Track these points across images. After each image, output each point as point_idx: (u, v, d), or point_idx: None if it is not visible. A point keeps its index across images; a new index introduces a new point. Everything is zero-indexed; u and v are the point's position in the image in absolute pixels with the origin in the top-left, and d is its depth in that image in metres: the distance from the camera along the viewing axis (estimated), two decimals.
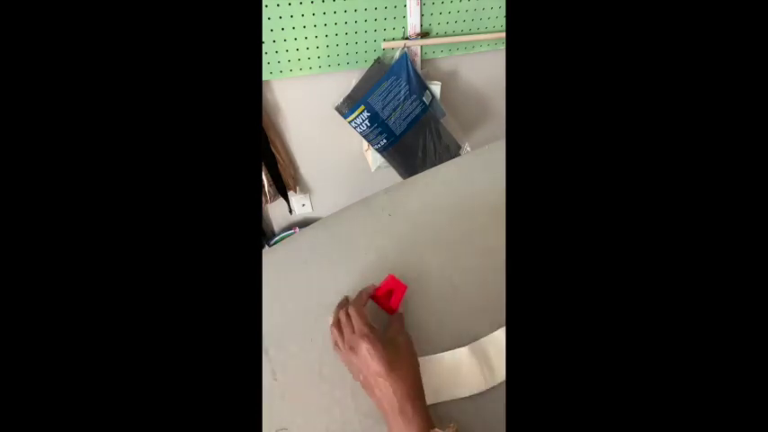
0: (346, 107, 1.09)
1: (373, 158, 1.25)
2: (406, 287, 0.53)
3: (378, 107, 1.09)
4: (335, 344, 0.47)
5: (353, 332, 0.44)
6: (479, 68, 1.26)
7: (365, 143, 1.22)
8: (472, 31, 1.14)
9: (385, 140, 1.15)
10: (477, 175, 0.72)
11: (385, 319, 0.52)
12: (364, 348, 0.41)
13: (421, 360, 0.46)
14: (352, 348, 0.43)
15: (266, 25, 0.95)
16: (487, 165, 0.74)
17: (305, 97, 1.12)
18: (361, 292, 0.50)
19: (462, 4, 1.07)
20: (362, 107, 1.08)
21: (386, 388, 0.40)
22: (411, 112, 1.13)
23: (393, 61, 1.07)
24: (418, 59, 1.13)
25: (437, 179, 0.72)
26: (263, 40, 0.97)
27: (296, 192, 1.32)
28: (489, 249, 0.60)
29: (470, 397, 0.46)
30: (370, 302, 0.53)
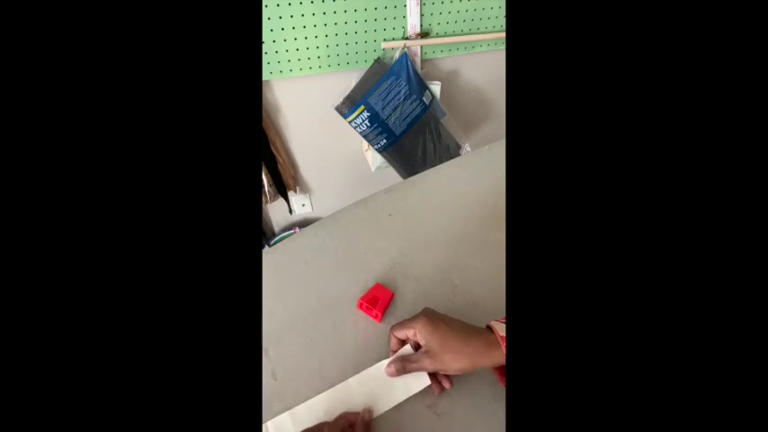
0: (346, 107, 1.09)
1: (373, 158, 1.25)
2: (392, 294, 0.54)
3: (378, 107, 1.09)
4: None
5: None
6: (479, 68, 1.26)
7: (365, 143, 1.22)
8: (472, 31, 1.14)
9: (385, 140, 1.15)
10: (477, 175, 0.72)
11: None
12: None
13: (356, 378, 0.46)
14: None
15: (266, 25, 0.95)
16: (487, 165, 0.74)
17: (305, 97, 1.12)
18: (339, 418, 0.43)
19: (462, 4, 1.07)
20: (362, 107, 1.08)
21: None
22: (411, 112, 1.13)
23: (393, 61, 1.07)
24: (418, 59, 1.13)
25: (437, 179, 0.72)
26: (263, 40, 0.97)
27: (296, 192, 1.32)
28: (489, 249, 0.60)
29: (470, 397, 0.46)
30: (359, 311, 0.53)
